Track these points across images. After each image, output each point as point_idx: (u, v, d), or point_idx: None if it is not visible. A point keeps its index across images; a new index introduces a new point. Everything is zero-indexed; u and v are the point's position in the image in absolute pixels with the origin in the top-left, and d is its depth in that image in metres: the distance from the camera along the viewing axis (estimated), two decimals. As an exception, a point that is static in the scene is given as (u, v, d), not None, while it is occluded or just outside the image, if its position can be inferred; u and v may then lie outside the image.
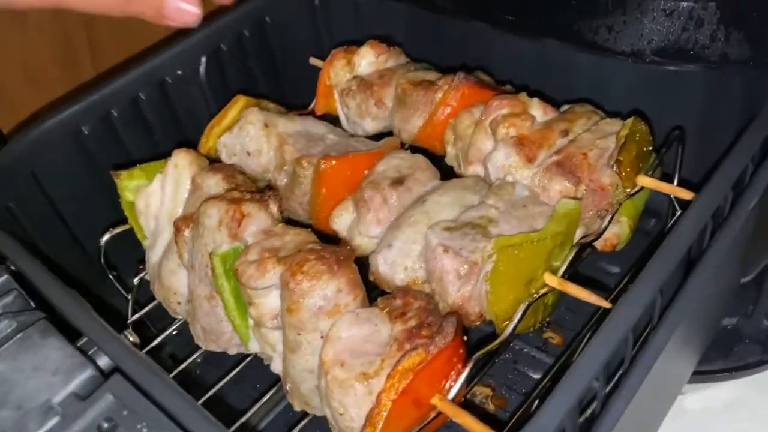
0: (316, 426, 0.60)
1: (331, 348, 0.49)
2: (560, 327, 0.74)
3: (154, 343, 0.69)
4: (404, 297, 0.52)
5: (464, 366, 0.49)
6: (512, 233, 0.54)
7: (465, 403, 0.67)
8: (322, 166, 0.64)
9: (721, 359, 0.70)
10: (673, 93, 0.71)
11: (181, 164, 0.66)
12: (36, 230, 0.74)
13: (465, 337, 0.51)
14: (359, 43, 0.82)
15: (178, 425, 0.44)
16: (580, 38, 0.71)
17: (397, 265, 0.56)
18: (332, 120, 0.80)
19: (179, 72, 0.82)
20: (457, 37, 0.86)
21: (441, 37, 0.89)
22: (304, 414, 0.58)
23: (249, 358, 0.67)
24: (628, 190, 0.58)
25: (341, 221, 0.64)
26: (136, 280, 0.73)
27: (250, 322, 0.57)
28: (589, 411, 0.46)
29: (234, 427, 0.60)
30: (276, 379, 0.60)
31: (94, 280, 0.75)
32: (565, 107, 0.68)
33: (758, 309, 0.72)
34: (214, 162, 0.72)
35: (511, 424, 0.54)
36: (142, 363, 0.49)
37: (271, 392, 0.65)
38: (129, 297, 0.73)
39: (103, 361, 0.51)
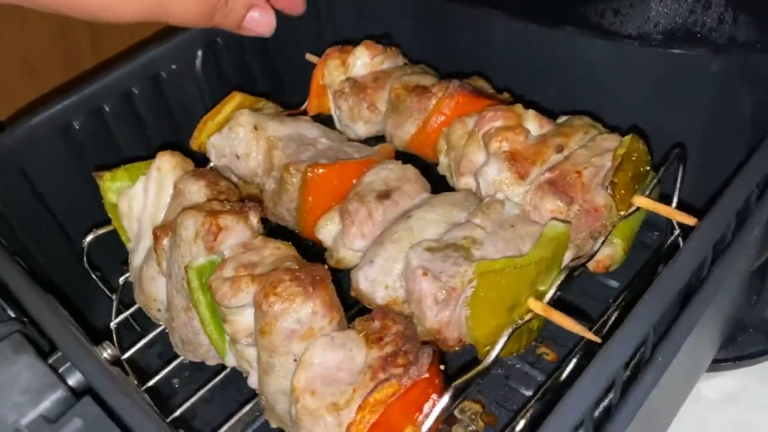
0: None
1: (303, 374, 0.48)
2: (554, 343, 0.72)
3: (138, 345, 0.69)
4: (383, 319, 0.51)
5: (440, 396, 0.47)
6: (496, 256, 0.52)
7: (451, 426, 0.67)
8: (309, 174, 0.62)
9: (725, 349, 0.69)
10: (682, 83, 0.68)
11: (164, 167, 0.64)
12: (23, 228, 0.74)
13: (443, 366, 0.49)
14: (359, 41, 0.79)
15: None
16: (586, 22, 0.70)
17: (377, 282, 0.55)
18: (326, 120, 0.78)
19: (174, 66, 0.80)
20: (460, 27, 0.84)
21: (444, 30, 0.87)
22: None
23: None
24: (623, 212, 0.55)
25: (327, 231, 0.62)
26: (121, 281, 0.72)
27: (227, 336, 0.56)
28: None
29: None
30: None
31: (80, 279, 0.74)
32: (563, 118, 0.65)
33: (762, 299, 0.70)
34: (203, 160, 0.72)
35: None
36: (115, 383, 0.48)
37: (255, 401, 0.64)
38: (114, 297, 0.73)
39: (76, 379, 0.50)
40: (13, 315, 0.55)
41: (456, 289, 0.50)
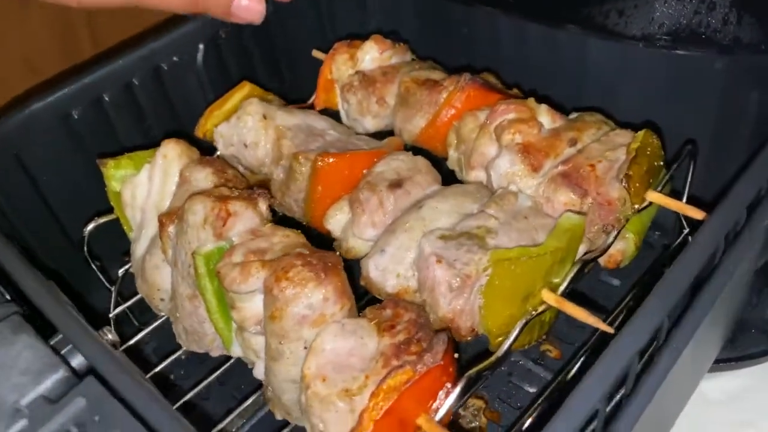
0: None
1: (314, 360, 0.46)
2: (559, 340, 0.71)
3: (135, 339, 0.67)
4: (395, 308, 0.50)
5: (454, 385, 0.46)
6: (511, 246, 0.51)
7: (454, 421, 0.65)
8: (319, 163, 0.61)
9: (726, 349, 0.68)
10: (687, 83, 0.68)
11: (170, 155, 0.63)
12: (19, 217, 0.72)
13: (456, 354, 0.48)
14: (363, 37, 0.79)
15: (154, 433, 0.42)
16: (591, 22, 0.70)
17: (389, 271, 0.54)
18: (332, 116, 0.77)
19: (176, 59, 0.79)
20: (466, 27, 0.84)
21: (449, 29, 0.87)
22: (287, 421, 0.56)
23: (233, 359, 0.64)
24: (637, 206, 0.55)
25: (336, 221, 0.61)
26: (120, 272, 0.71)
27: (233, 325, 0.54)
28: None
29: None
30: (260, 383, 0.57)
31: (79, 270, 0.72)
32: (574, 115, 0.65)
33: (763, 299, 0.70)
34: (209, 149, 0.71)
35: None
36: (118, 364, 0.47)
37: (255, 396, 0.63)
38: (112, 289, 0.71)
39: (78, 361, 0.49)
40: (9, 298, 0.53)
41: (470, 276, 0.49)
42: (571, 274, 0.52)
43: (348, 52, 0.75)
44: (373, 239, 0.58)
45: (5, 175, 0.70)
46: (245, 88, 0.74)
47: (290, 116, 0.67)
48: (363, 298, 0.59)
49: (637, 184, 0.54)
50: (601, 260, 0.58)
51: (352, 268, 0.56)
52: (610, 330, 0.48)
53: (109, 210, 0.68)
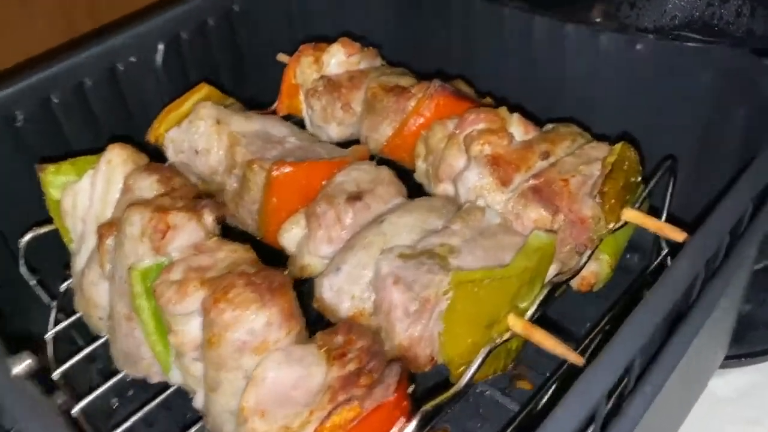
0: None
1: (253, 392, 0.42)
2: (530, 369, 0.67)
3: (74, 360, 0.61)
4: (347, 333, 0.45)
5: (408, 420, 0.42)
6: (475, 266, 0.47)
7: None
8: (274, 172, 0.57)
9: (734, 346, 0.67)
10: (671, 94, 0.65)
11: (115, 161, 0.58)
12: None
13: (412, 386, 0.44)
14: (335, 40, 0.75)
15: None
16: (603, 14, 0.69)
17: (343, 292, 0.49)
18: (298, 123, 0.73)
19: (132, 59, 0.75)
20: (443, 30, 0.80)
21: (425, 32, 0.83)
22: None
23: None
24: (611, 224, 0.51)
25: (290, 236, 0.57)
26: (63, 287, 0.66)
27: (172, 350, 0.50)
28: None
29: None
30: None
31: (19, 284, 0.67)
32: (549, 126, 0.61)
33: None
34: (160, 157, 0.66)
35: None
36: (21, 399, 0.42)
37: (201, 424, 0.58)
38: (53, 305, 0.66)
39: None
40: None
41: (429, 300, 0.45)
42: (540, 298, 0.48)
43: (313, 54, 0.71)
44: (329, 256, 0.53)
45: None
46: (203, 90, 0.69)
47: (247, 122, 0.62)
48: (317, 323, 0.54)
49: (612, 201, 0.50)
50: (574, 283, 0.54)
51: (305, 289, 0.52)
52: (580, 361, 0.44)
53: (49, 220, 0.63)
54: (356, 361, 0.43)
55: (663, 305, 0.38)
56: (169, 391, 0.61)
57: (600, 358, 0.38)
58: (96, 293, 0.56)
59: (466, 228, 0.50)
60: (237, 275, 0.45)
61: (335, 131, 0.69)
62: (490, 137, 0.56)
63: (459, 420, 0.63)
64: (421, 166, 0.64)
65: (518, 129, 0.58)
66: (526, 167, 0.55)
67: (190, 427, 0.59)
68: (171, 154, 0.63)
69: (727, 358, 0.67)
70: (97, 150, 0.68)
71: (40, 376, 0.53)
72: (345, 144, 0.71)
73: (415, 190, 0.63)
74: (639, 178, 0.54)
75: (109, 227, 0.53)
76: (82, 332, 0.69)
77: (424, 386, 0.58)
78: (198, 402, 0.50)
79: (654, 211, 0.57)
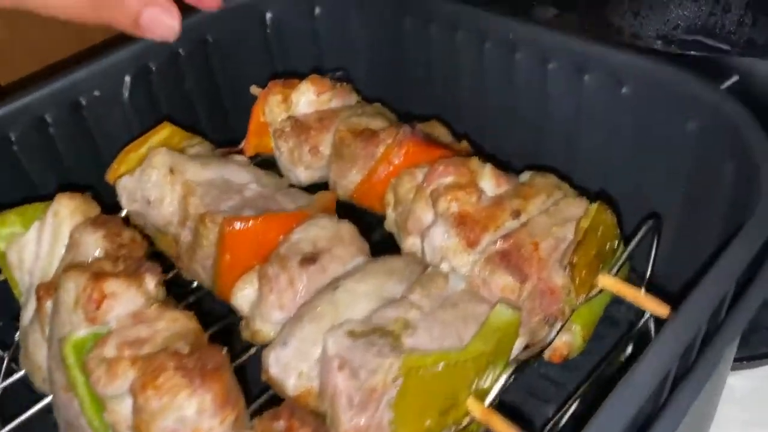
0: None
1: (178, 490, 0.38)
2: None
3: (23, 417, 0.58)
4: (289, 419, 0.42)
5: None
6: (431, 345, 0.43)
7: None
8: (227, 228, 0.53)
9: (738, 348, 0.63)
10: (655, 142, 0.61)
11: (62, 213, 0.55)
12: None
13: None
14: (313, 71, 0.71)
15: None
16: (606, 23, 0.71)
17: (291, 368, 0.46)
18: (269, 161, 0.70)
19: (97, 93, 0.71)
20: (423, 63, 0.76)
21: (405, 63, 0.79)
22: None
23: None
24: (583, 296, 0.47)
25: (243, 297, 0.53)
26: (17, 336, 0.62)
27: (109, 427, 0.46)
28: None
29: None
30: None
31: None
32: (526, 175, 0.57)
33: None
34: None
35: None
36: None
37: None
38: (5, 355, 0.63)
39: None
40: None
41: (376, 389, 0.41)
42: (502, 380, 0.44)
43: (282, 92, 0.67)
44: (281, 322, 0.50)
45: None
46: (165, 129, 0.66)
47: (203, 169, 0.59)
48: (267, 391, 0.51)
49: (584, 273, 0.46)
50: (545, 353, 0.50)
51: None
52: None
53: (0, 268, 0.60)
54: (296, 453, 0.40)
55: (625, 412, 0.34)
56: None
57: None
58: (39, 355, 0.53)
59: (426, 298, 0.47)
60: (169, 355, 0.42)
61: (303, 174, 0.66)
62: (457, 193, 0.52)
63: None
64: (390, 215, 0.60)
65: (490, 182, 0.54)
66: (495, 227, 0.51)
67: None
68: (125, 202, 0.60)
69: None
70: (64, 188, 0.66)
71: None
72: (315, 187, 0.68)
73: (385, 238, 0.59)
74: (615, 243, 0.50)
75: (48, 289, 0.50)
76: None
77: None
78: (135, 483, 0.46)
79: (635, 273, 0.53)
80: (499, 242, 0.50)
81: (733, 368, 0.65)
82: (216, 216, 0.54)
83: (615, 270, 0.50)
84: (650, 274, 0.52)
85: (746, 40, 0.65)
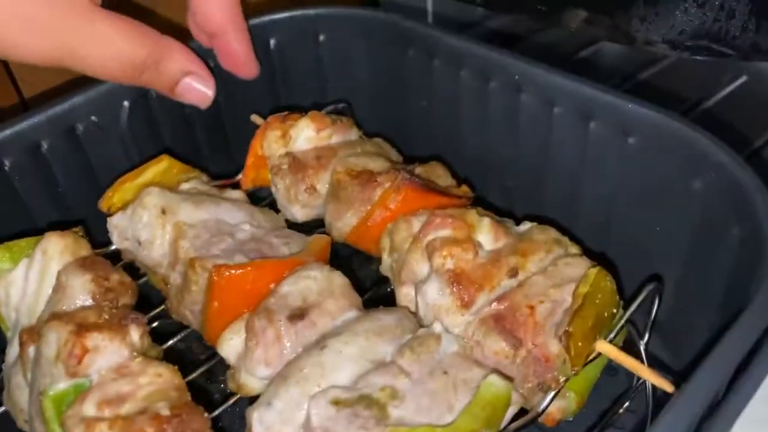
0: None
1: None
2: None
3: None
4: (269, 487, 0.41)
5: None
6: (417, 418, 0.42)
7: None
8: (215, 276, 0.52)
9: None
10: (658, 200, 0.59)
11: (50, 251, 0.54)
12: None
13: None
14: (318, 106, 0.70)
15: None
16: (614, 29, 0.72)
17: (274, 431, 0.45)
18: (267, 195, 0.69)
19: (94, 118, 0.70)
20: (425, 97, 0.75)
21: (408, 98, 0.78)
22: None
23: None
24: (577, 368, 0.46)
25: (230, 347, 0.52)
26: (2, 372, 0.62)
27: (87, 481, 0.45)
28: None
29: None
30: None
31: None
32: (526, 226, 0.55)
33: None
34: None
35: None
36: None
37: None
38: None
39: None
40: None
41: (358, 467, 0.40)
42: (492, 453, 0.43)
43: (280, 128, 0.66)
44: (268, 378, 0.49)
45: None
46: (163, 162, 0.65)
47: (196, 209, 0.57)
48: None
49: (579, 344, 0.45)
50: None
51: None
52: None
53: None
54: None
55: None
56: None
57: None
58: (21, 397, 0.52)
59: (416, 363, 0.45)
60: (149, 419, 0.41)
61: (300, 213, 0.64)
62: (453, 248, 0.51)
63: None
64: (386, 260, 0.59)
65: (487, 236, 0.53)
66: (491, 287, 0.50)
67: None
68: (116, 240, 0.59)
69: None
70: (59, 218, 0.65)
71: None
72: (311, 225, 0.66)
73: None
74: (614, 310, 0.48)
75: (31, 334, 0.49)
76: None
77: None
78: None
79: (632, 325, 0.51)
80: (494, 303, 0.49)
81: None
82: (206, 261, 0.53)
83: (614, 334, 0.48)
84: (648, 339, 0.51)
85: (750, 45, 0.66)
